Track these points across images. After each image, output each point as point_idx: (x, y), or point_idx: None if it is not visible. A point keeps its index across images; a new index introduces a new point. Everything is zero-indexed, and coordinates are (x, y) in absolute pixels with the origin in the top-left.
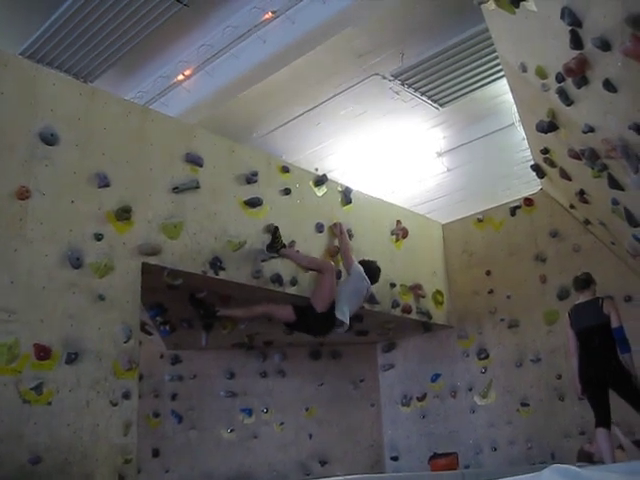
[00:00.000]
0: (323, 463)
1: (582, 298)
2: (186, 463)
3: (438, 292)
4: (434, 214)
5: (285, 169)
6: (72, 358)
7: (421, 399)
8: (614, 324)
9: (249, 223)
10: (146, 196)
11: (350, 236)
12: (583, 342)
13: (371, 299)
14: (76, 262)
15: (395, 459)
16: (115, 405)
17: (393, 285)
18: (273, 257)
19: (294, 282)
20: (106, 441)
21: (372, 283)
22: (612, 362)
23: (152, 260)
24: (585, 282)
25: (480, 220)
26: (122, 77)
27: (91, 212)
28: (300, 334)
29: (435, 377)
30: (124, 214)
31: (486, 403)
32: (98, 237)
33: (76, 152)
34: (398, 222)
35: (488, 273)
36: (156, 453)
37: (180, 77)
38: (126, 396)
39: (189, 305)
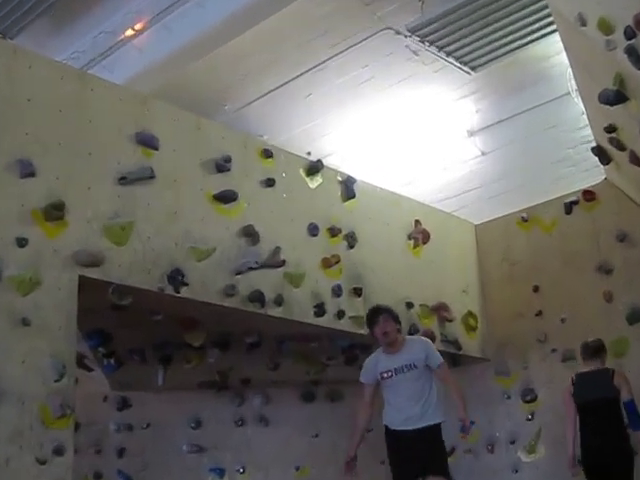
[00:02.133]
0: None
1: (587, 367)
2: None
3: (470, 314)
4: (464, 212)
5: (267, 153)
6: None
7: (449, 454)
8: (625, 397)
9: (220, 224)
10: (84, 189)
11: (353, 241)
12: (586, 417)
13: None
14: None
15: None
16: (43, 463)
17: (410, 305)
18: (252, 268)
19: (279, 301)
20: None
21: None
22: (620, 442)
23: (92, 272)
24: (596, 350)
25: (525, 220)
26: (53, 32)
27: (11, 210)
28: (285, 370)
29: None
30: (55, 212)
31: (534, 460)
32: (21, 242)
33: None
34: (417, 223)
35: (536, 289)
36: None
37: (129, 33)
38: (58, 452)
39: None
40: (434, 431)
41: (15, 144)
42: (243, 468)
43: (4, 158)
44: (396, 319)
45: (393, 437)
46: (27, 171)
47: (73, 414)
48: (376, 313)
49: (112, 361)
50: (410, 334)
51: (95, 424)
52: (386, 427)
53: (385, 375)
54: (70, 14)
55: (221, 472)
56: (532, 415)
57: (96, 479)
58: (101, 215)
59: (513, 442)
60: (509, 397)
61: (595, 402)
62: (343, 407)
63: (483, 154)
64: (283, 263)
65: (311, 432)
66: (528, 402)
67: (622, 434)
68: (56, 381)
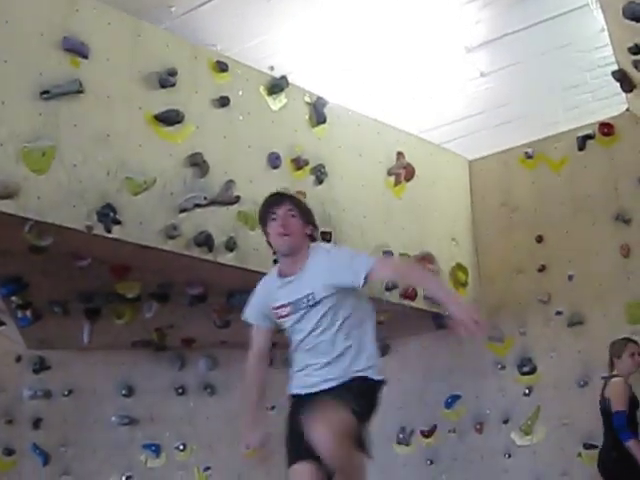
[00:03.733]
0: None
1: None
2: None
3: (460, 267)
4: (456, 144)
5: (221, 66)
6: None
7: (428, 434)
8: (614, 408)
9: (162, 150)
10: None
11: (322, 175)
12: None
13: None
14: None
15: None
16: None
17: (388, 254)
18: (200, 205)
19: (231, 246)
20: None
21: None
22: (611, 453)
23: (5, 206)
24: (609, 353)
25: (529, 156)
26: None
27: None
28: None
29: (451, 400)
30: None
31: (530, 443)
32: None
33: None
34: (399, 155)
35: (540, 239)
36: None
37: None
38: None
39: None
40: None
41: None
42: (183, 445)
43: None
44: (306, 215)
45: (293, 407)
46: None
47: None
48: (273, 202)
49: (28, 313)
50: (387, 289)
51: (6, 389)
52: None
53: (280, 312)
54: None
55: (157, 449)
56: (529, 390)
57: (6, 455)
58: (17, 137)
59: (506, 421)
60: (503, 367)
61: (600, 411)
62: None
63: (482, 75)
64: (237, 200)
65: (266, 403)
66: (525, 374)
67: (613, 445)
68: None
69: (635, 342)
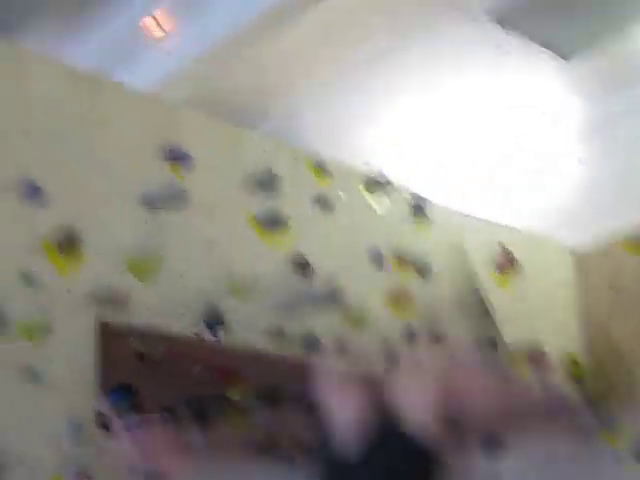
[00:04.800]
0: None
1: None
2: None
3: (572, 361)
4: (559, 233)
5: (320, 167)
6: None
7: None
8: None
9: (266, 254)
10: (102, 215)
11: (426, 272)
12: None
13: None
14: None
15: None
16: None
17: (496, 348)
18: (305, 307)
19: (339, 348)
20: None
21: None
22: None
23: (115, 316)
24: None
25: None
26: (59, 29)
27: (16, 241)
28: None
29: None
30: (68, 243)
31: None
32: (28, 280)
33: None
34: (503, 249)
35: None
36: None
37: (154, 29)
38: None
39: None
40: None
41: (19, 164)
42: None
43: (6, 180)
44: None
45: None
46: (33, 195)
47: None
48: None
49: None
50: None
51: None
52: None
53: None
54: (82, 7)
55: None
56: None
57: None
58: (124, 247)
59: None
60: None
61: None
62: None
63: (581, 162)
64: (342, 300)
65: None
66: None
67: None
68: (72, 446)
69: None
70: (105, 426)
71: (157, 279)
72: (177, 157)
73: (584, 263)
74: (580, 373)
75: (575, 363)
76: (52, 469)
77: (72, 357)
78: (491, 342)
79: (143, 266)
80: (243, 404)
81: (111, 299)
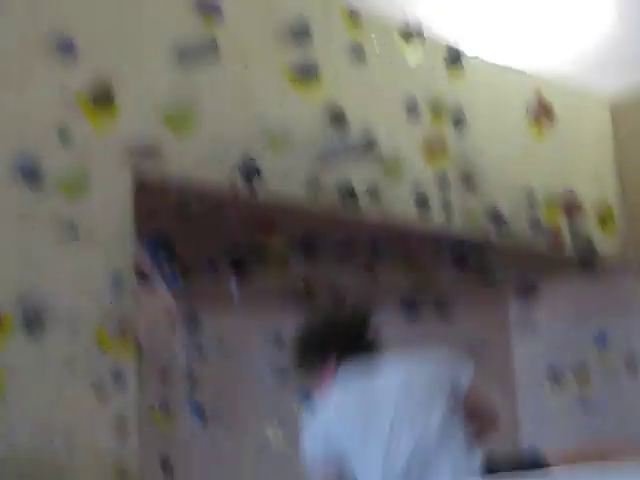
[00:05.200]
0: None
1: None
2: None
3: (605, 207)
4: (597, 82)
5: (356, 17)
6: (32, 325)
7: (580, 377)
8: None
9: (300, 104)
10: (136, 67)
11: (461, 121)
12: None
13: (497, 220)
14: (30, 177)
15: None
16: (102, 394)
17: (533, 197)
18: (341, 157)
19: (374, 196)
20: (89, 448)
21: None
22: None
23: (150, 169)
24: None
25: None
26: None
27: (50, 96)
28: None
29: (602, 341)
30: (103, 97)
31: None
32: (63, 135)
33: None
34: (538, 97)
35: None
36: (166, 466)
37: None
38: (118, 380)
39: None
40: None
41: (51, 19)
42: None
43: (38, 35)
44: None
45: None
46: (67, 49)
47: (134, 337)
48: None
49: (177, 273)
50: (533, 232)
51: (160, 348)
52: None
53: None
54: None
55: (310, 399)
56: None
57: (163, 411)
58: (158, 100)
59: None
60: None
61: None
62: (455, 319)
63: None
64: (377, 149)
65: (413, 349)
66: None
67: None
68: (112, 298)
69: None
70: (145, 278)
71: (192, 132)
72: (209, 8)
73: (621, 113)
74: (613, 223)
75: (609, 213)
76: (94, 322)
77: (109, 211)
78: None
79: (178, 119)
80: (279, 255)
81: (147, 152)
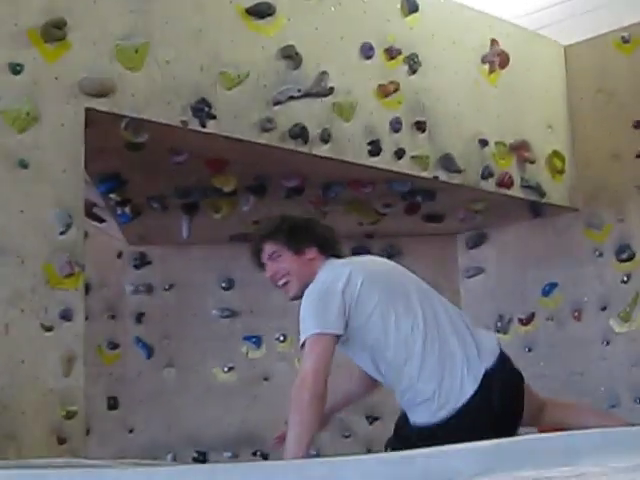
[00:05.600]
0: (372, 419)
1: None
2: (160, 418)
3: (556, 155)
4: (551, 30)
5: None
6: None
7: (526, 322)
8: None
9: (255, 43)
10: (89, 2)
11: (415, 65)
12: None
13: (448, 165)
14: None
15: None
16: (49, 330)
17: (484, 143)
18: (294, 97)
19: (326, 138)
20: (37, 385)
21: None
22: None
23: (101, 104)
24: None
25: (626, 40)
26: None
27: (1, 31)
28: (333, 219)
29: (549, 288)
30: (55, 31)
31: (629, 329)
32: (15, 69)
33: None
34: (493, 42)
35: (637, 125)
36: (114, 404)
37: None
38: (66, 316)
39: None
40: None
41: None
42: (284, 335)
43: None
44: (297, 240)
45: None
46: None
47: (82, 273)
48: (254, 251)
49: (127, 210)
50: (483, 178)
51: (108, 285)
52: None
53: None
54: None
55: (258, 340)
56: (628, 277)
57: (111, 348)
58: (110, 34)
59: (604, 308)
60: (601, 254)
61: None
62: (402, 264)
63: None
64: (331, 91)
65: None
66: (623, 261)
67: None
68: (61, 234)
69: None
70: (93, 215)
71: (145, 67)
72: None
73: (574, 61)
74: (562, 168)
75: (559, 160)
76: (42, 258)
77: (61, 146)
78: None
79: (130, 55)
80: (230, 193)
81: (99, 87)
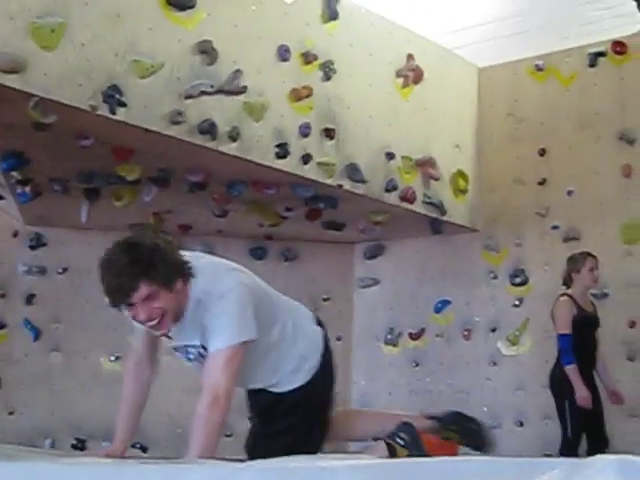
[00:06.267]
0: None
1: None
2: (43, 403)
3: (460, 174)
4: (468, 51)
5: None
6: None
7: (416, 337)
8: (556, 330)
9: (172, 35)
10: None
11: (330, 72)
12: None
13: (353, 175)
14: None
15: None
16: None
17: (390, 156)
18: (206, 93)
19: (234, 136)
20: None
21: None
22: (556, 370)
23: (11, 81)
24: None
25: (540, 68)
26: None
27: None
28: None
29: (442, 305)
30: None
31: (516, 353)
32: None
33: None
34: (409, 57)
35: (542, 153)
36: None
37: None
38: None
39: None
40: None
41: None
42: None
43: None
44: (168, 275)
45: None
46: None
47: None
48: (120, 293)
49: (28, 190)
50: (387, 190)
51: (1, 263)
52: None
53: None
54: None
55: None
56: (520, 301)
57: None
58: (27, 11)
59: (494, 330)
60: (495, 277)
61: None
62: (298, 268)
63: None
64: (244, 90)
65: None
66: (517, 285)
67: (557, 363)
68: None
69: (594, 256)
70: None
71: (59, 47)
72: None
73: (488, 84)
74: (465, 188)
75: (463, 177)
76: None
77: None
78: None
79: (46, 33)
80: (133, 182)
81: (10, 63)
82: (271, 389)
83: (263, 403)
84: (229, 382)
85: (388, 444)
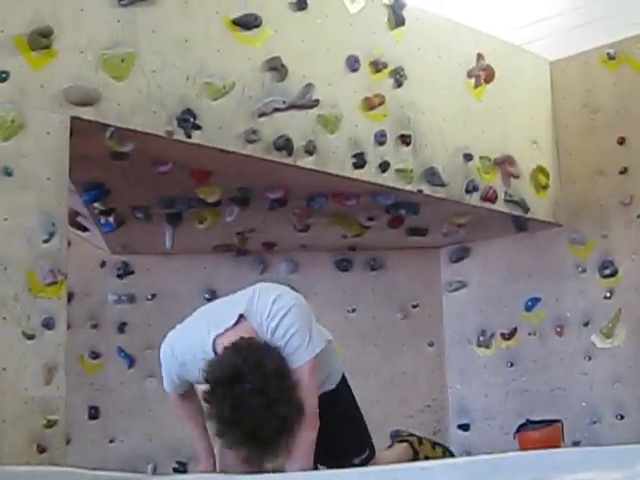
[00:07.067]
0: None
1: None
2: (141, 429)
3: (540, 170)
4: (537, 46)
5: None
6: None
7: (508, 337)
8: None
9: (240, 54)
10: (76, 11)
11: (401, 78)
12: None
13: (432, 179)
14: None
15: (465, 428)
16: (31, 338)
17: (468, 157)
18: (279, 109)
19: (310, 150)
20: (17, 394)
21: None
22: None
23: (87, 113)
24: None
25: (611, 57)
26: None
27: None
28: (317, 232)
29: (532, 303)
30: (41, 39)
31: (611, 345)
32: (1, 76)
33: None
34: (479, 57)
35: (621, 141)
36: (95, 413)
37: None
38: (48, 325)
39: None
40: None
41: None
42: None
43: None
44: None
45: None
46: None
47: (65, 281)
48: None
49: (111, 219)
50: (468, 192)
51: (91, 294)
52: None
53: None
54: None
55: None
56: (611, 293)
57: (92, 358)
58: (97, 44)
59: (586, 324)
60: (584, 270)
61: None
62: (384, 277)
63: None
64: (316, 103)
65: (346, 305)
66: (606, 277)
67: None
68: (45, 242)
69: None
70: (77, 223)
71: (129, 78)
72: None
73: (560, 77)
74: (546, 183)
75: (543, 173)
76: (25, 266)
77: (45, 154)
78: None
79: (116, 64)
80: (214, 204)
81: (84, 96)
82: None
83: None
84: (315, 403)
85: (401, 441)
